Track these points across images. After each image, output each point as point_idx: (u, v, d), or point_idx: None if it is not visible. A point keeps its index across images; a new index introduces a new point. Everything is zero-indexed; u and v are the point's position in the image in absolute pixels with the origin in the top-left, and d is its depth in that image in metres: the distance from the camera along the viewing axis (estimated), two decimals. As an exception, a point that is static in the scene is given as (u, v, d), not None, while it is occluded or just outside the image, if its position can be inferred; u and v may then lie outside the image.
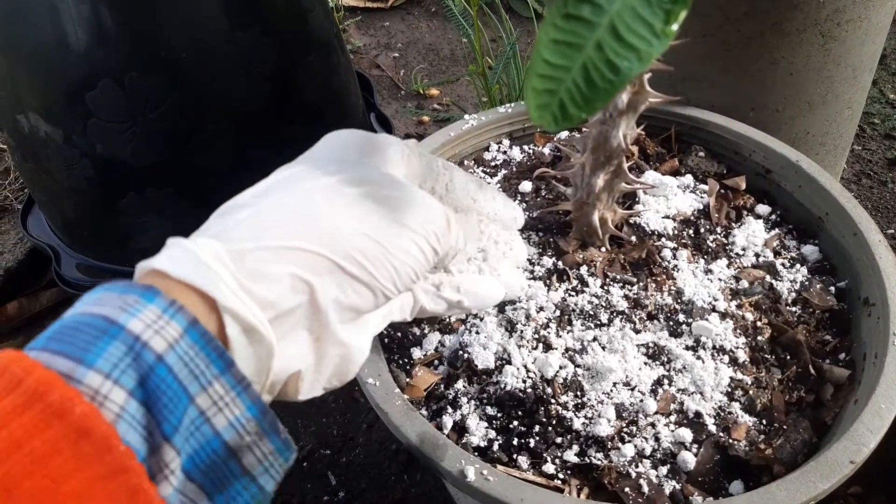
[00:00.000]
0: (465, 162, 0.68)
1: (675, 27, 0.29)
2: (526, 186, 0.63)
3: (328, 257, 0.30)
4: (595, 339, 0.50)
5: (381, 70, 1.50)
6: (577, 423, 0.46)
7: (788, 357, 0.50)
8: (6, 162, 1.19)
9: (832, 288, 0.54)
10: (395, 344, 0.53)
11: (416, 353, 0.52)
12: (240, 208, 0.31)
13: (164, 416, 0.24)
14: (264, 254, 0.29)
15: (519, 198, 0.62)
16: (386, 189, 0.33)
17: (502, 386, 0.48)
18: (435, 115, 1.34)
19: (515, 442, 0.46)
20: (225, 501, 0.27)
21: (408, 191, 0.33)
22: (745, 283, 0.54)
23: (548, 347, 0.50)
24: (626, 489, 0.43)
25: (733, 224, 0.60)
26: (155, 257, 0.28)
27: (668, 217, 0.59)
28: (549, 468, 0.45)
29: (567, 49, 0.29)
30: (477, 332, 0.51)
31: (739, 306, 0.52)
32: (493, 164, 0.68)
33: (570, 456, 0.45)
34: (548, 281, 0.54)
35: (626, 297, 0.53)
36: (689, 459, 0.44)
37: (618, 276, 0.54)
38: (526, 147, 0.70)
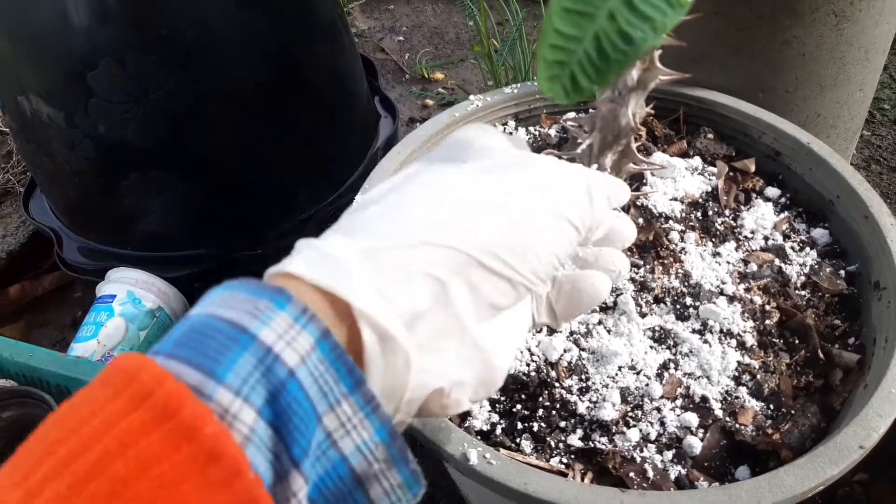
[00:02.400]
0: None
1: (688, -3, 0.28)
2: (531, 168, 0.62)
3: (465, 251, 0.27)
4: (600, 322, 0.49)
5: (385, 54, 1.48)
6: (582, 408, 0.45)
7: (797, 341, 0.49)
8: (8, 145, 1.19)
9: (842, 272, 0.53)
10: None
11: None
12: (370, 204, 0.29)
13: (295, 439, 0.22)
14: (399, 252, 0.27)
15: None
16: (514, 167, 0.30)
17: (506, 369, 0.47)
18: (440, 99, 1.32)
19: (519, 426, 0.45)
20: None
21: (539, 161, 0.30)
22: (753, 267, 0.53)
23: (552, 331, 0.49)
24: (631, 474, 0.43)
25: (742, 207, 0.59)
26: (287, 260, 0.26)
27: (675, 199, 0.58)
28: (552, 452, 0.44)
29: (579, 18, 0.28)
30: (481, 315, 0.50)
31: (748, 290, 0.51)
32: (498, 145, 0.67)
33: (575, 440, 0.44)
34: (553, 263, 0.53)
35: (632, 279, 0.52)
36: (694, 444, 0.44)
37: (624, 259, 0.53)
38: (532, 128, 0.68)
